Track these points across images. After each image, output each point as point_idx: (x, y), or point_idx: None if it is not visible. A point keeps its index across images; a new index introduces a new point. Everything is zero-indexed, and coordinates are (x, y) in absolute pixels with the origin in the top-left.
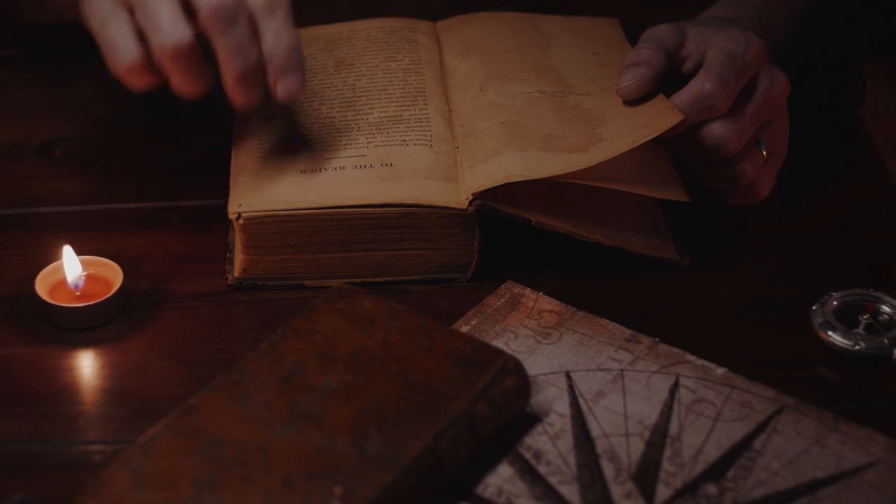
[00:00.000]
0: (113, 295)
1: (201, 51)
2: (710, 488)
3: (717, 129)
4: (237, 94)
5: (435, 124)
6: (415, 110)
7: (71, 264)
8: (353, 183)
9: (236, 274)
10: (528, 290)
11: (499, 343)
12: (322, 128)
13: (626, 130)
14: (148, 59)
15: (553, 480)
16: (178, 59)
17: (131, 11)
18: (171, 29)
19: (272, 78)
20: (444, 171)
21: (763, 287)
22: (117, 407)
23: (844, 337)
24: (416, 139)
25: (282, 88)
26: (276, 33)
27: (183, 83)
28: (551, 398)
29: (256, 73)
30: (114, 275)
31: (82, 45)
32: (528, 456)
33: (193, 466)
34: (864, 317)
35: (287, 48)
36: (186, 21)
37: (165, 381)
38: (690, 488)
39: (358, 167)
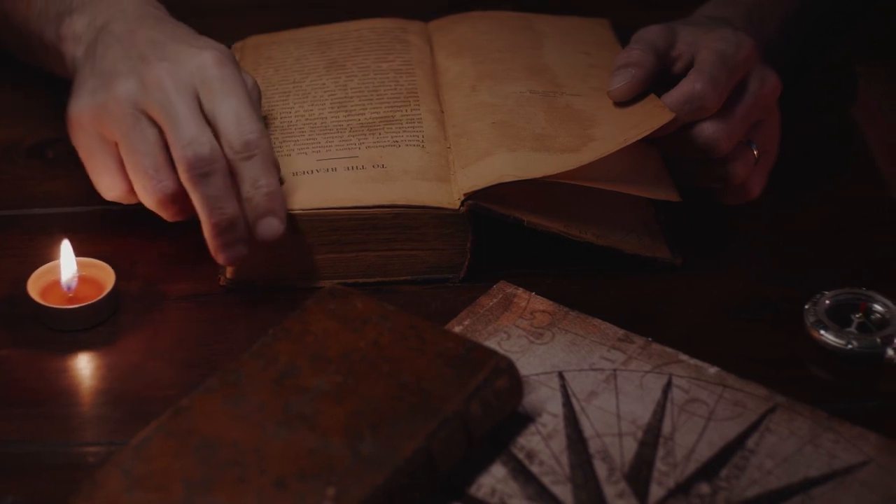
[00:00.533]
0: (105, 296)
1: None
2: (704, 488)
3: (707, 129)
4: (216, 248)
5: (427, 125)
6: (406, 111)
7: (68, 260)
8: (344, 185)
9: (228, 275)
10: (520, 291)
11: (491, 343)
12: (314, 129)
13: (617, 130)
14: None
15: (546, 480)
16: (162, 206)
17: (116, 146)
18: (154, 180)
19: (251, 221)
20: (435, 172)
21: (755, 286)
22: (111, 408)
23: (837, 336)
24: (407, 140)
25: (260, 231)
26: (253, 181)
27: (173, 219)
28: (544, 398)
29: (236, 224)
30: (106, 276)
31: None
32: (521, 456)
33: (186, 468)
34: (857, 316)
35: (265, 195)
36: (170, 170)
37: (158, 383)
38: (683, 488)
39: (350, 168)
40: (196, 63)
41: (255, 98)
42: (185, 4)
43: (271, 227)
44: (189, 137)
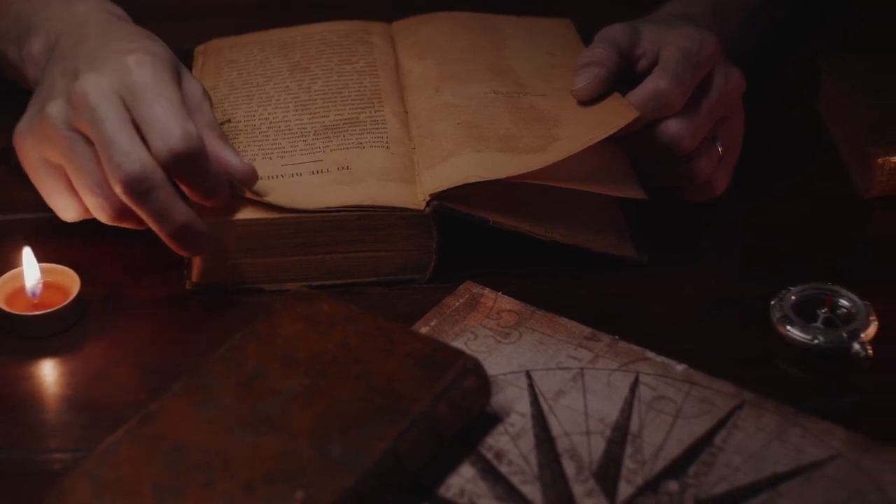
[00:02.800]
0: (71, 302)
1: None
2: (672, 485)
3: (672, 127)
4: (178, 249)
5: (391, 126)
6: (370, 112)
7: (30, 267)
8: (309, 189)
9: (194, 279)
10: (487, 290)
11: (458, 344)
12: (278, 133)
13: (581, 130)
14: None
15: (515, 480)
16: (118, 220)
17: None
18: (101, 197)
19: (212, 205)
20: (400, 173)
21: (722, 283)
22: (77, 415)
23: (803, 331)
24: (372, 141)
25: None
26: (192, 186)
27: (140, 227)
28: (512, 398)
29: (190, 226)
30: (71, 282)
31: None
32: (489, 456)
33: (154, 473)
34: (823, 311)
35: (206, 192)
36: (104, 183)
37: (125, 388)
38: (652, 485)
39: (315, 172)
40: (117, 69)
41: (196, 100)
42: (148, 7)
43: (219, 203)
44: (118, 158)
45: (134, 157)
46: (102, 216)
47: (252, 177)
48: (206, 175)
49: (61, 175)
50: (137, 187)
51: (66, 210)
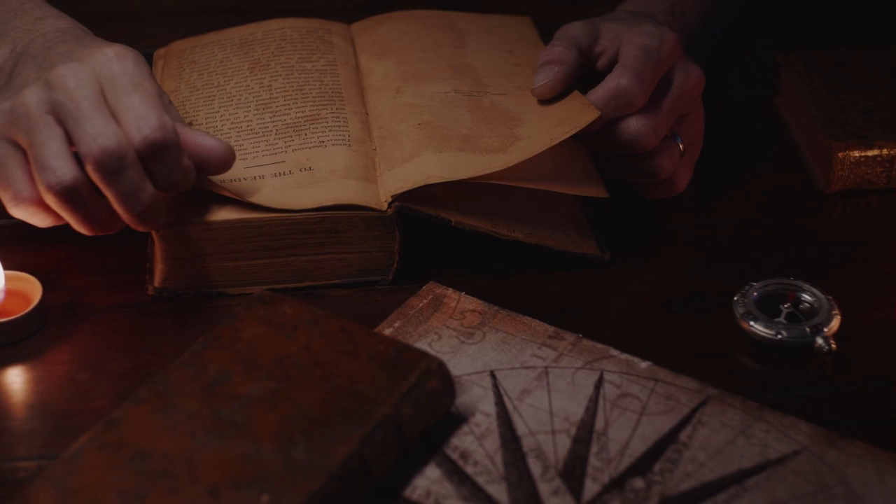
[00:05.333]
0: (32, 310)
1: (91, 190)
2: (638, 482)
3: (633, 125)
4: (136, 226)
5: (352, 126)
6: (332, 109)
7: None
8: (272, 192)
9: (156, 284)
10: (450, 291)
11: (422, 345)
12: (240, 133)
13: (543, 129)
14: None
15: (481, 480)
16: (61, 197)
17: (24, 152)
18: (50, 171)
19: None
20: (363, 172)
21: (685, 280)
22: (41, 422)
23: (766, 326)
24: (334, 139)
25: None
26: (163, 177)
27: (75, 223)
28: (476, 398)
29: (154, 206)
30: (32, 289)
31: None
32: (454, 457)
33: (119, 480)
34: (786, 306)
35: (176, 183)
36: (72, 161)
37: (88, 395)
38: (618, 483)
39: (277, 175)
40: (98, 59)
41: (167, 99)
42: (109, 11)
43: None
44: (94, 132)
45: (110, 133)
46: (48, 195)
47: (230, 157)
48: (177, 168)
49: (23, 161)
50: (111, 165)
51: (20, 193)
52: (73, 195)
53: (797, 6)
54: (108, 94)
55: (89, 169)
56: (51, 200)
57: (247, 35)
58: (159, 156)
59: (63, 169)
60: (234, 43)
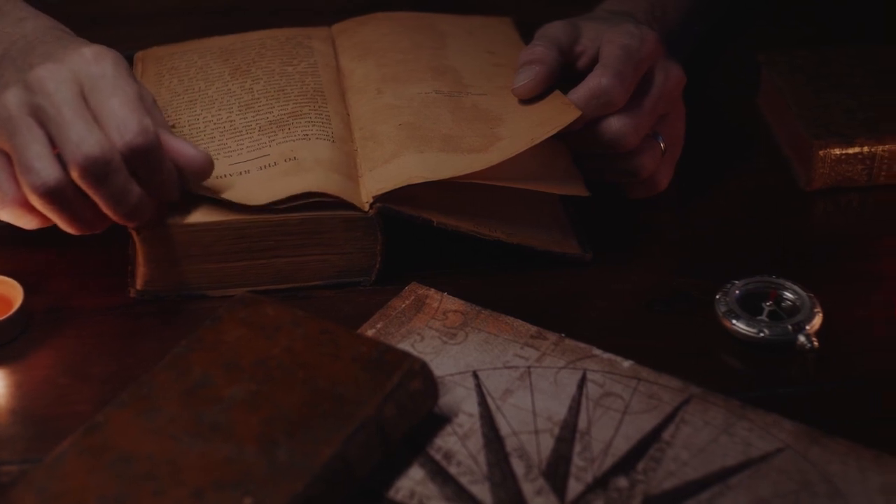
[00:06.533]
0: (14, 313)
1: (76, 191)
2: (621, 481)
3: (615, 124)
4: (125, 224)
5: (335, 124)
6: (314, 107)
7: None
8: (259, 184)
9: (138, 287)
10: (432, 291)
11: (405, 345)
12: (223, 133)
13: (524, 129)
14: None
15: (464, 481)
16: (46, 198)
17: (7, 155)
18: (34, 173)
19: (160, 199)
20: (346, 169)
21: (668, 278)
22: (23, 427)
23: (748, 325)
24: (317, 133)
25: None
26: (146, 179)
27: (62, 223)
28: (459, 398)
29: (142, 205)
30: (14, 293)
31: None
32: (438, 457)
33: (102, 484)
34: (768, 304)
35: (160, 185)
36: (55, 161)
37: (71, 399)
38: (601, 482)
39: (262, 168)
40: (76, 60)
41: (149, 101)
42: (84, 14)
43: (172, 197)
44: (77, 139)
45: (92, 139)
46: (32, 196)
47: (208, 166)
48: (160, 171)
49: (5, 163)
50: (97, 171)
51: (4, 197)
52: (59, 196)
53: (780, 5)
54: (89, 97)
55: (75, 176)
56: (36, 202)
57: (226, 44)
58: (142, 160)
59: (46, 171)
60: (214, 51)
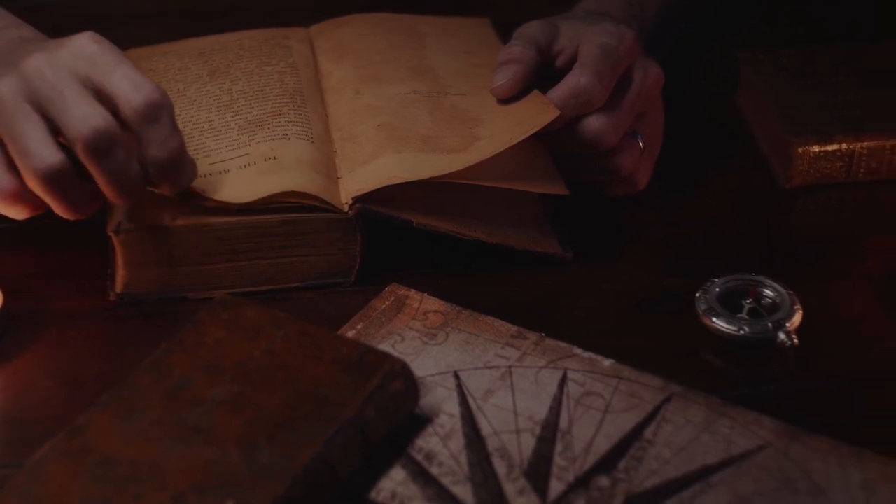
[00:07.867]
0: None
1: (74, 174)
2: (603, 480)
3: (594, 123)
4: (117, 202)
5: (314, 124)
6: (294, 106)
7: None
8: (239, 183)
9: (118, 290)
10: (412, 292)
11: (385, 346)
12: (203, 133)
13: (503, 129)
14: (23, 189)
15: (446, 481)
16: (47, 182)
17: (2, 143)
18: (36, 157)
19: (158, 180)
20: (326, 169)
21: (647, 277)
22: (3, 430)
23: (728, 323)
24: (298, 133)
25: (170, 187)
26: (160, 143)
27: (60, 208)
28: (440, 399)
29: (138, 182)
30: None
31: None
32: (419, 458)
33: (84, 487)
34: (748, 302)
35: (173, 150)
36: (55, 145)
37: (51, 402)
38: (583, 481)
39: (242, 167)
40: (73, 45)
41: None
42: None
43: (187, 175)
44: (81, 114)
45: (96, 112)
46: (34, 181)
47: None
48: (174, 131)
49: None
50: (102, 144)
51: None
52: (60, 179)
53: (773, 4)
54: (93, 74)
55: (80, 150)
56: (36, 186)
57: (204, 46)
58: (158, 118)
59: (48, 152)
60: (192, 53)
